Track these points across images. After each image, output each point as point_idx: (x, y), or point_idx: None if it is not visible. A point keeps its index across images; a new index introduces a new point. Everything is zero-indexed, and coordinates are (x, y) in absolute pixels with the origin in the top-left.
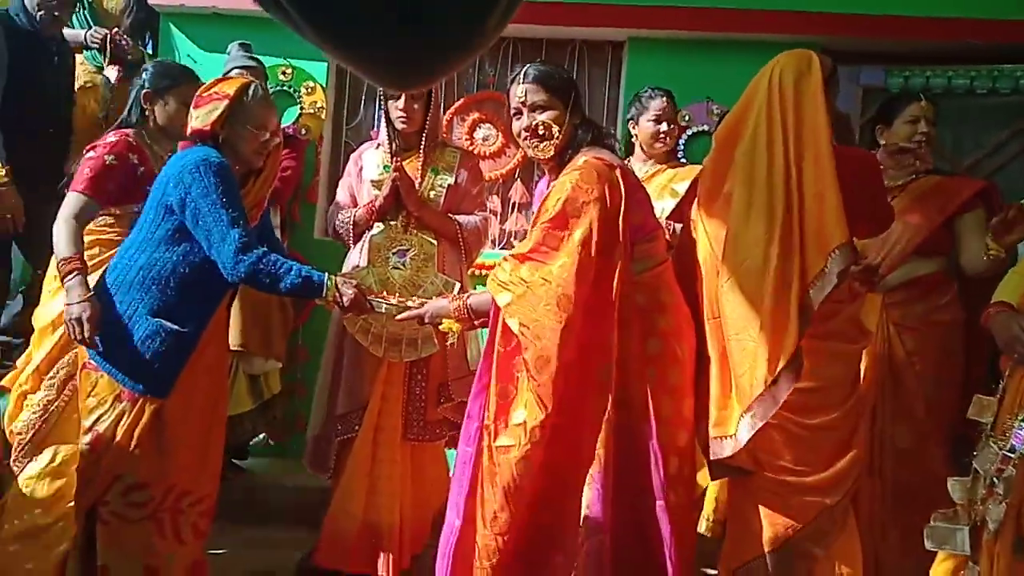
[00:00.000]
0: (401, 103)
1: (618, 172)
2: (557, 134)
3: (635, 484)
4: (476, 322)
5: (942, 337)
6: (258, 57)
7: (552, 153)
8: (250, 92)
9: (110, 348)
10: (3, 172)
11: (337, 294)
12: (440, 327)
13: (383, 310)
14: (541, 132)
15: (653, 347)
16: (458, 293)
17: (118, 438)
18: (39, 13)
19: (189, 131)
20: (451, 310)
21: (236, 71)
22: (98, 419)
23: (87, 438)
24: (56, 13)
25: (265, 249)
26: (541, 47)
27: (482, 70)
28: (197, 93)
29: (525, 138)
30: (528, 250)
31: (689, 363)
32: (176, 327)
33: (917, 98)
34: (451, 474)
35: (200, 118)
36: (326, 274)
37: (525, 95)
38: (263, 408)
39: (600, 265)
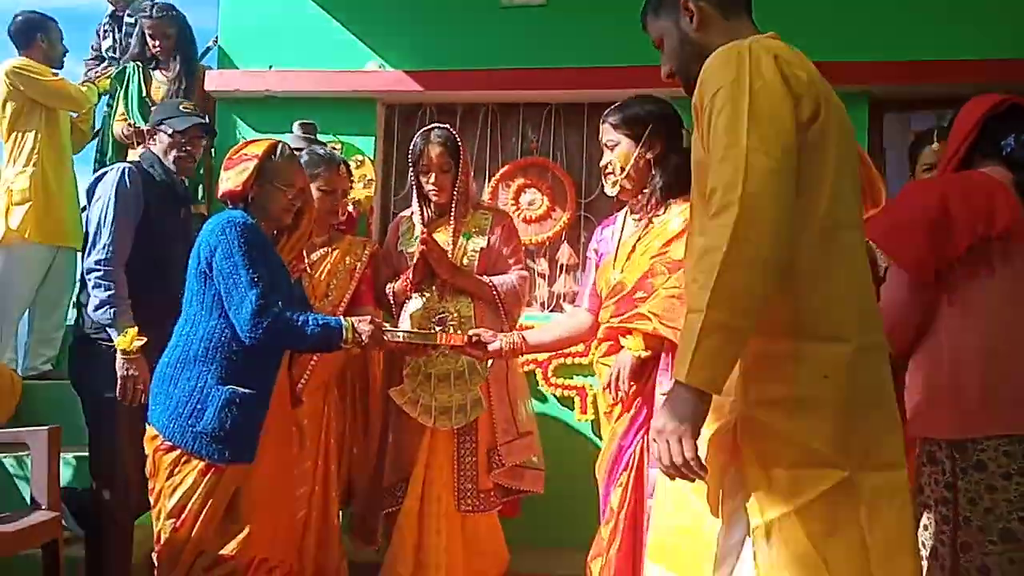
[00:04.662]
0: (432, 177)
1: None
2: (620, 172)
3: None
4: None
5: None
6: (313, 137)
7: (618, 190)
8: (278, 151)
9: (188, 424)
10: (139, 342)
11: (355, 334)
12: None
13: (400, 339)
14: (609, 170)
15: None
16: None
17: (204, 514)
18: (172, 154)
19: (220, 193)
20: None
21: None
22: (183, 497)
23: (173, 521)
24: (188, 149)
25: (281, 307)
26: (583, 111)
27: (525, 136)
28: (227, 156)
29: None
30: None
31: None
32: (248, 391)
33: (929, 140)
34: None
35: (231, 179)
36: (341, 318)
37: (602, 134)
38: None
39: None
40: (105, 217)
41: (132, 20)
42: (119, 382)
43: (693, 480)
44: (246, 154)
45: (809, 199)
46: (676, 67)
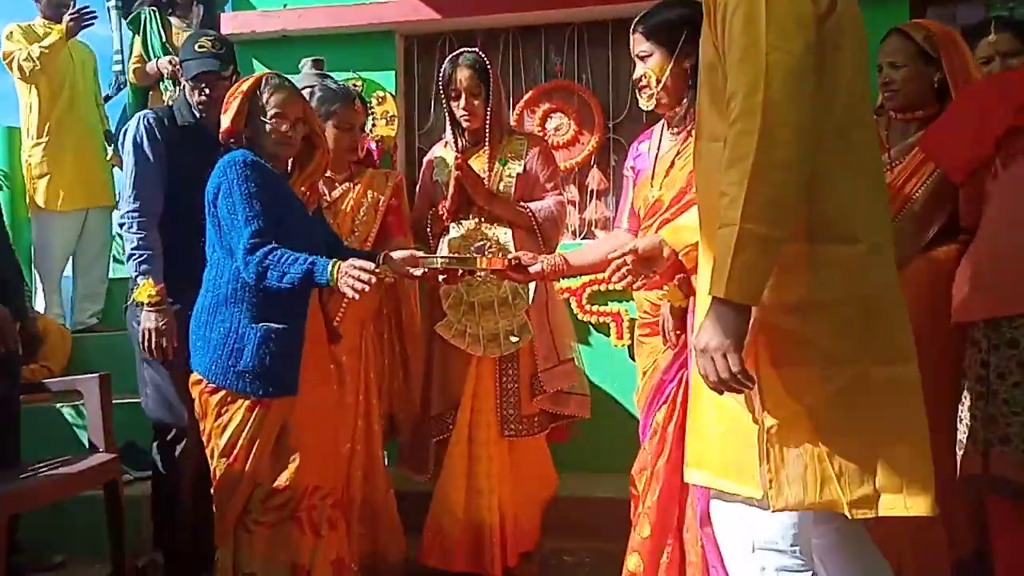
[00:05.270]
0: (462, 102)
1: None
2: (656, 84)
3: None
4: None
5: None
6: (329, 73)
7: (654, 104)
8: (263, 83)
9: (229, 365)
10: (154, 291)
11: (342, 275)
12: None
13: (437, 265)
14: (643, 83)
15: None
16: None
17: (255, 449)
18: (195, 98)
19: (221, 135)
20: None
21: (306, 90)
22: (233, 434)
23: (226, 459)
24: (207, 93)
25: (272, 245)
26: (607, 29)
27: (548, 59)
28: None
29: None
30: None
31: None
32: (282, 326)
33: (985, 32)
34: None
35: (224, 120)
36: (333, 260)
37: (633, 46)
38: None
39: None
40: (128, 170)
41: None
42: (140, 334)
43: (742, 393)
44: (234, 93)
45: (826, 97)
46: None
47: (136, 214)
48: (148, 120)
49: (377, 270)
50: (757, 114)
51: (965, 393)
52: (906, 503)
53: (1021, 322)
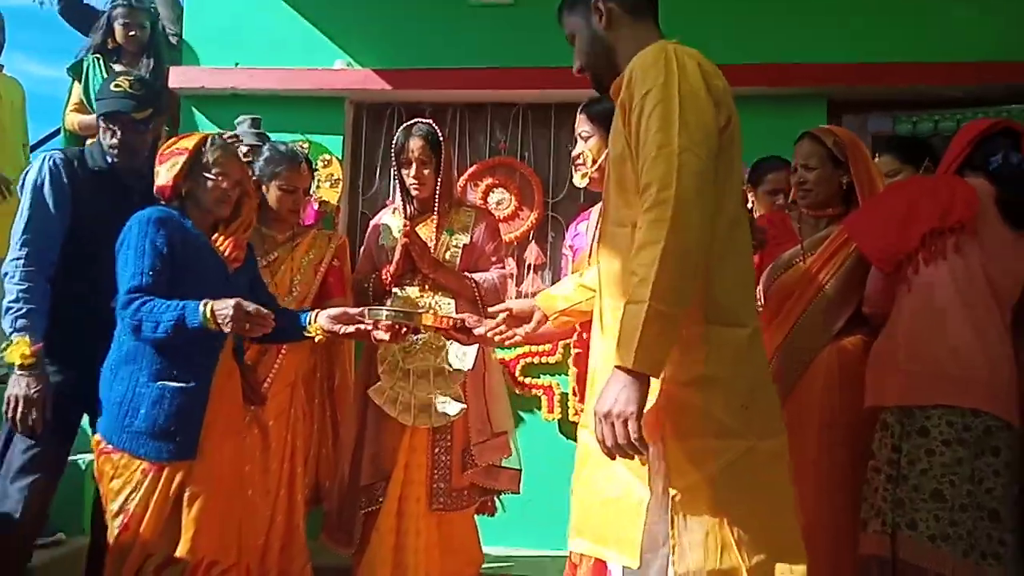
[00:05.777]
0: (413, 170)
1: None
2: (591, 164)
3: None
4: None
5: None
6: (266, 133)
7: (587, 182)
8: (208, 142)
9: (124, 425)
10: (29, 352)
11: (213, 315)
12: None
13: (383, 317)
14: (580, 161)
15: None
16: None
17: (148, 515)
18: (107, 141)
19: (155, 189)
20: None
21: (244, 148)
22: (127, 499)
23: (118, 521)
24: (119, 137)
25: (145, 298)
26: (550, 112)
27: (493, 136)
28: (159, 151)
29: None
30: None
31: None
32: (180, 385)
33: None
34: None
35: (162, 175)
36: (204, 300)
37: (578, 124)
38: None
39: None
40: (22, 213)
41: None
42: (5, 401)
43: (634, 458)
44: (177, 148)
45: (720, 196)
46: (585, 63)
47: (22, 262)
48: (54, 161)
49: (269, 313)
50: (669, 205)
51: (875, 476)
52: (792, 570)
53: (932, 413)
